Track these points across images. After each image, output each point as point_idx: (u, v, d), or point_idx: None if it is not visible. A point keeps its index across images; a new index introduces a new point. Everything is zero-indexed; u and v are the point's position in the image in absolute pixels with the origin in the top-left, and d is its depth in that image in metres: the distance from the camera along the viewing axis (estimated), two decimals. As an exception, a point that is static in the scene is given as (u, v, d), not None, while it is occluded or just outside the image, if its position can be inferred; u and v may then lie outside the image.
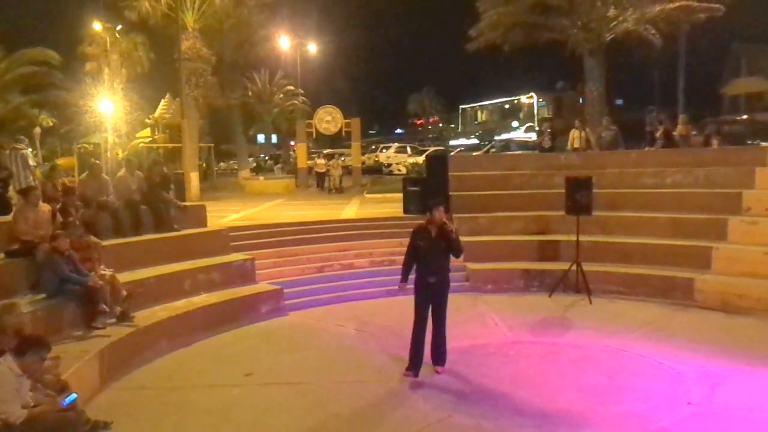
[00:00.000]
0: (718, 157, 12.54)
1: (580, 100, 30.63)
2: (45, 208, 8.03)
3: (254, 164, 43.48)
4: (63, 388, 5.13)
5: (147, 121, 32.39)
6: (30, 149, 12.93)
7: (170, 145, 29.31)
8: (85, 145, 26.90)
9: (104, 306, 7.23)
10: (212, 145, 35.18)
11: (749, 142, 19.11)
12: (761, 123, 24.64)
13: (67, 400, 4.91)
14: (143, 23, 25.42)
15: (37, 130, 33.96)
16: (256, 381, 6.77)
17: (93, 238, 8.08)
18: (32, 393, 4.79)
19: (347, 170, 27.76)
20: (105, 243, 8.39)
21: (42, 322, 6.70)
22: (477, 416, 5.70)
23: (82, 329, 7.12)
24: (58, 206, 8.45)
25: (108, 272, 7.68)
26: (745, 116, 29.25)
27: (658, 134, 13.85)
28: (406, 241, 11.83)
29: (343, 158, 27.32)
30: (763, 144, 15.34)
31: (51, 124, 35.91)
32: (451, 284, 6.96)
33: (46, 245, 7.32)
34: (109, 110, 33.33)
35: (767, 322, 8.47)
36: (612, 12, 19.75)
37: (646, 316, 8.98)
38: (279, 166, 39.23)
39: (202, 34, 24.44)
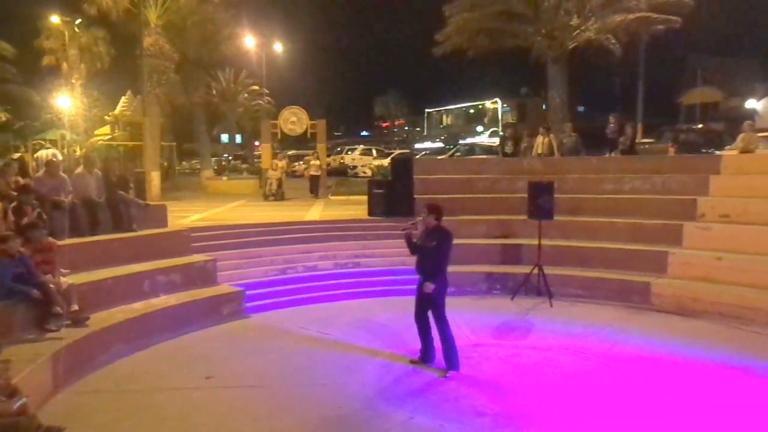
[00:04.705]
0: (674, 164, 12.89)
1: (544, 107, 31.12)
2: (-3, 205, 7.77)
3: (216, 165, 42.82)
4: (13, 393, 4.95)
5: (107, 118, 31.63)
6: None
7: (131, 144, 28.70)
8: (40, 141, 26.18)
9: (58, 308, 7.03)
10: (174, 143, 34.59)
11: (704, 150, 19.69)
12: (715, 132, 25.41)
13: (17, 404, 4.76)
14: (104, 18, 24.86)
15: (-11, 125, 32.91)
16: (217, 384, 6.67)
17: (51, 239, 7.85)
18: (-20, 398, 4.62)
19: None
20: (60, 243, 8.16)
21: (-9, 325, 6.48)
22: (439, 418, 5.73)
23: (35, 332, 6.89)
24: (11, 205, 8.17)
25: (67, 280, 7.48)
26: (700, 125, 30.15)
27: (622, 138, 14.25)
28: (371, 243, 12.04)
29: (301, 161, 23.99)
30: (717, 152, 15.80)
31: (4, 119, 34.78)
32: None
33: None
34: (67, 106, 32.47)
35: (720, 325, 8.76)
36: (575, 21, 20.12)
37: (604, 319, 9.18)
38: (245, 166, 38.71)
39: (165, 31, 24.04)
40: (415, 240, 7.05)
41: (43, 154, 13.12)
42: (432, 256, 6.81)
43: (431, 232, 6.87)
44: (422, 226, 7.00)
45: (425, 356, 7.13)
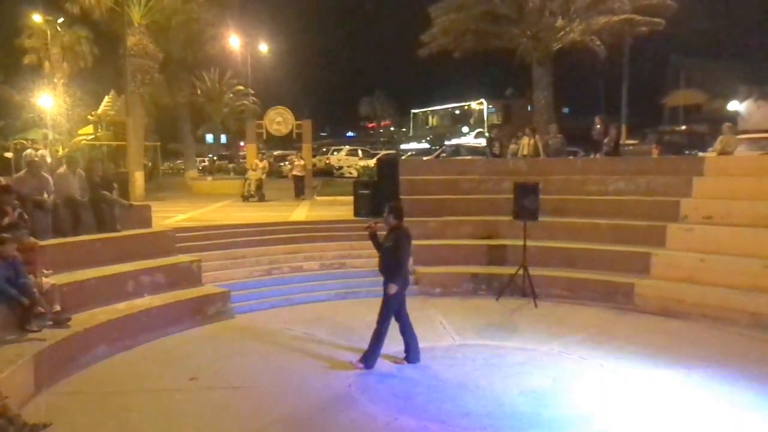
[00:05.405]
0: (658, 166, 13.00)
1: (529, 108, 31.29)
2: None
3: (201, 166, 42.53)
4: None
5: (90, 117, 31.34)
6: None
7: (114, 143, 28.44)
8: (22, 141, 25.84)
9: (40, 309, 6.94)
10: (159, 143, 34.33)
11: (687, 152, 19.92)
12: (698, 134, 25.73)
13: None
14: (87, 17, 24.59)
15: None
16: (201, 385, 6.62)
17: (32, 240, 7.75)
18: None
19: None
20: (42, 243, 8.06)
21: (-28, 326, 6.38)
22: (423, 419, 5.72)
23: (16, 332, 6.80)
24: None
25: (50, 281, 7.38)
26: (683, 127, 30.49)
27: (606, 140, 14.39)
28: (357, 244, 12.01)
29: (286, 162, 23.16)
30: (700, 154, 16.00)
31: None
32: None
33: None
34: (49, 105, 32.10)
35: (702, 326, 8.83)
36: (559, 22, 20.29)
37: (588, 320, 9.23)
38: (232, 165, 38.50)
39: (150, 30, 23.83)
40: (381, 240, 7.17)
41: (31, 153, 12.86)
42: (391, 255, 6.92)
43: (390, 231, 7.04)
44: (386, 226, 7.13)
45: (409, 356, 7.18)
